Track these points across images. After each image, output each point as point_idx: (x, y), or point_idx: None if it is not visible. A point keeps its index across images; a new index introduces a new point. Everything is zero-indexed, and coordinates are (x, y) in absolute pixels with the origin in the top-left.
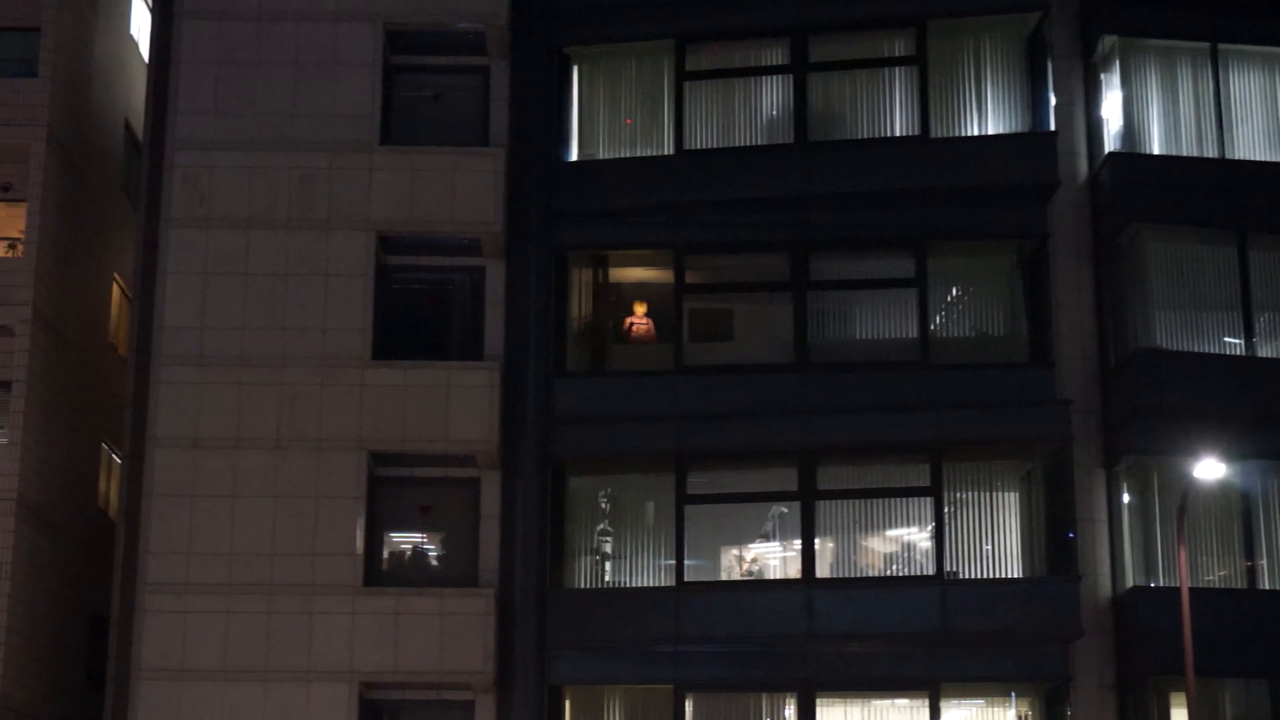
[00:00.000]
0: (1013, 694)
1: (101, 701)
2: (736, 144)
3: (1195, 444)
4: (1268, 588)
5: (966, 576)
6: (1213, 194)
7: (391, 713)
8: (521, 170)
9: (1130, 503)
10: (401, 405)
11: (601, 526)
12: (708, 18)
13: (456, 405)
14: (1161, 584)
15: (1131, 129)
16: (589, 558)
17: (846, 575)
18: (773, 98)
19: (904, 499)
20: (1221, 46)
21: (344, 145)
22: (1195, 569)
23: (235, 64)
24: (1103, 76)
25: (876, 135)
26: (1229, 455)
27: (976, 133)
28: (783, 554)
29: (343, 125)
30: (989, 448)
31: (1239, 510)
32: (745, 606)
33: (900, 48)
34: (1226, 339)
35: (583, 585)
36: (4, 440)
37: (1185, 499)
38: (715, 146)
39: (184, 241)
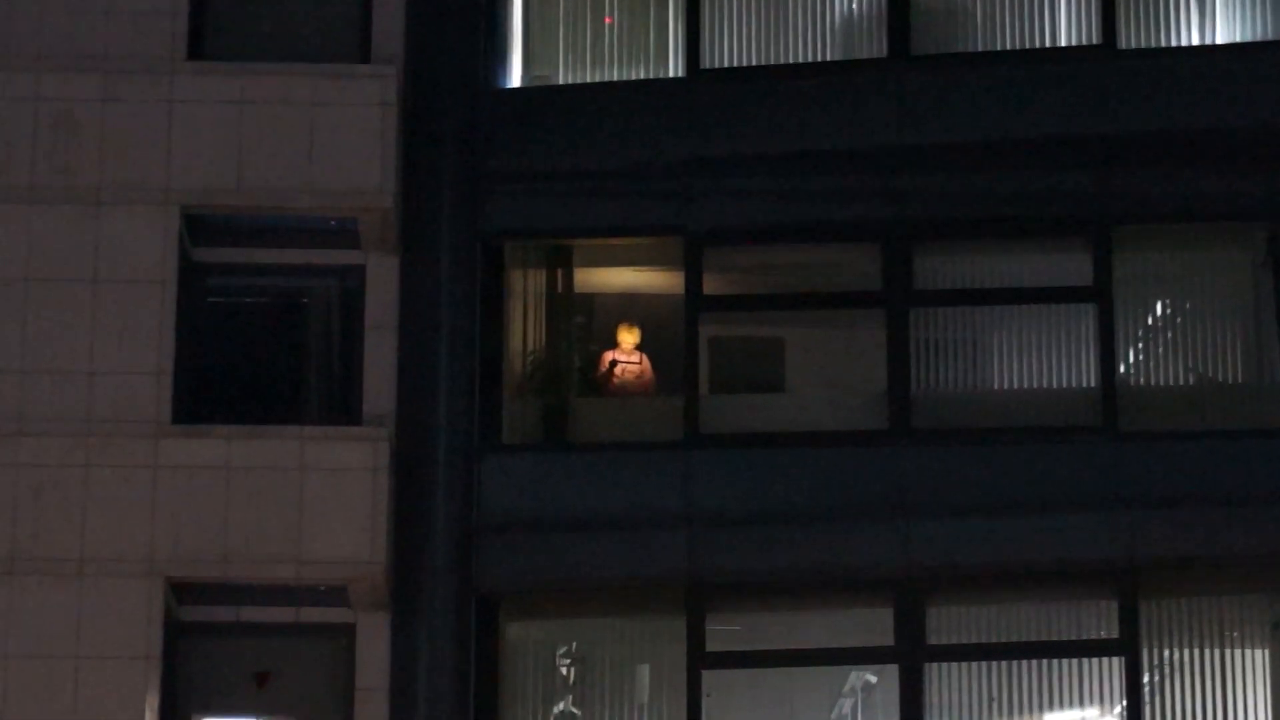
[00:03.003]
0: None
1: None
2: (786, 61)
3: None
4: None
5: None
6: None
7: None
8: (428, 105)
9: None
10: (222, 501)
11: (561, 708)
12: None
13: (317, 502)
14: None
15: None
16: None
17: None
18: None
19: (1074, 660)
20: None
21: (128, 62)
22: None
23: None
24: None
25: (1026, 46)
26: None
27: (1195, 43)
28: None
29: (125, 30)
30: (1217, 574)
31: None
32: None
33: None
34: None
35: None
36: None
37: None
38: (751, 65)
39: None
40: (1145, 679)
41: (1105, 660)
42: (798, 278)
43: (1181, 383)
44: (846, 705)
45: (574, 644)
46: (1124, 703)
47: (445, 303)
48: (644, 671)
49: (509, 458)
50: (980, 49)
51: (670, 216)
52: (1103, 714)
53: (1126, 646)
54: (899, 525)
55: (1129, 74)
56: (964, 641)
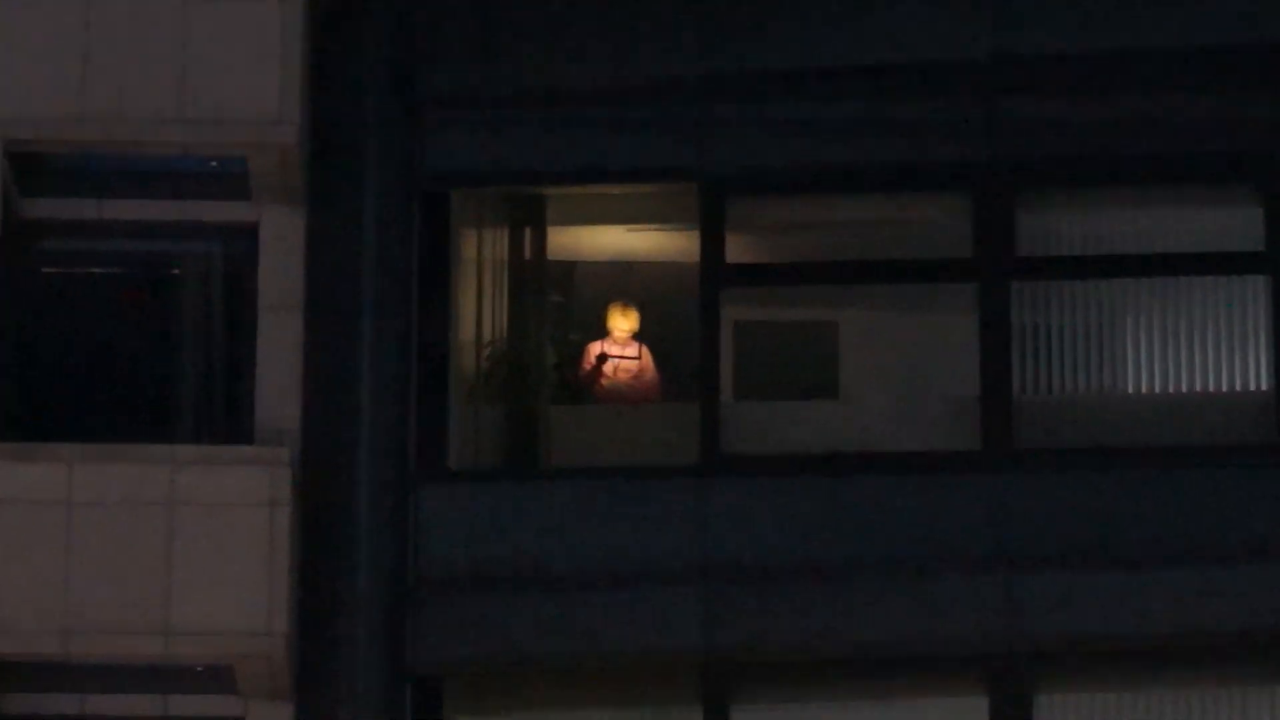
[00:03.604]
0: None
1: None
2: None
3: None
4: None
5: None
6: None
7: None
8: (346, 1)
9: None
10: (60, 549)
11: None
12: None
13: (193, 549)
14: None
15: None
16: None
17: None
18: None
19: None
20: None
21: None
22: None
23: None
24: None
25: None
26: None
27: None
28: None
29: None
30: None
31: None
32: None
33: None
34: None
35: None
36: None
37: None
38: None
39: None
40: None
41: None
42: (856, 240)
43: None
44: None
45: None
46: None
47: (370, 274)
48: None
49: (458, 489)
50: None
51: (681, 155)
52: None
53: None
54: (997, 580)
55: None
56: None
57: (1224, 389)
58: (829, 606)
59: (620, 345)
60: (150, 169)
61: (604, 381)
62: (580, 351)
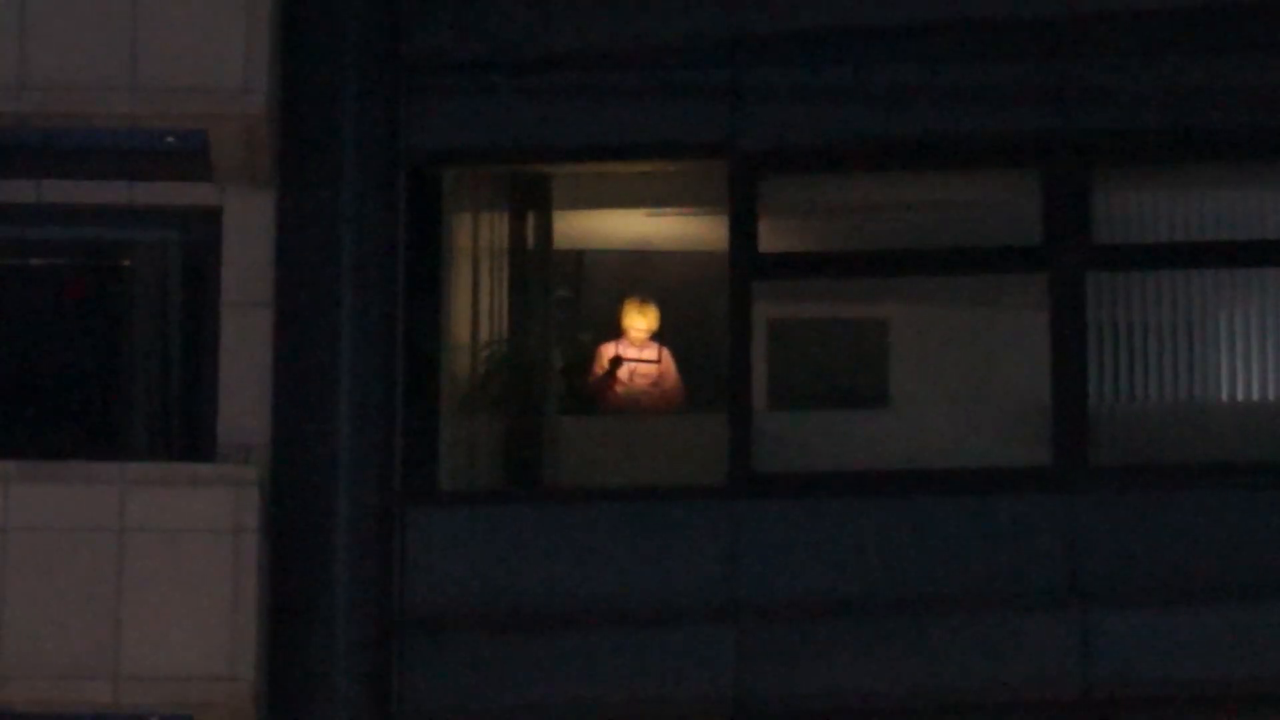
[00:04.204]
0: None
1: None
2: None
3: None
4: None
5: None
6: None
7: None
8: None
9: None
10: None
11: None
12: None
13: (146, 582)
14: None
15: None
16: None
17: None
18: None
19: None
20: None
21: None
22: None
23: None
24: None
25: None
26: None
27: None
28: None
29: None
30: None
31: None
32: None
33: None
34: None
35: None
36: None
37: None
38: None
39: None
40: None
41: None
42: (909, 226)
43: None
44: None
45: None
46: None
47: (350, 266)
48: None
49: (451, 512)
50: None
51: (707, 128)
52: None
53: None
54: (1073, 619)
55: None
56: None
57: None
58: (878, 648)
59: (637, 347)
60: (97, 146)
61: (618, 388)
62: (591, 354)
